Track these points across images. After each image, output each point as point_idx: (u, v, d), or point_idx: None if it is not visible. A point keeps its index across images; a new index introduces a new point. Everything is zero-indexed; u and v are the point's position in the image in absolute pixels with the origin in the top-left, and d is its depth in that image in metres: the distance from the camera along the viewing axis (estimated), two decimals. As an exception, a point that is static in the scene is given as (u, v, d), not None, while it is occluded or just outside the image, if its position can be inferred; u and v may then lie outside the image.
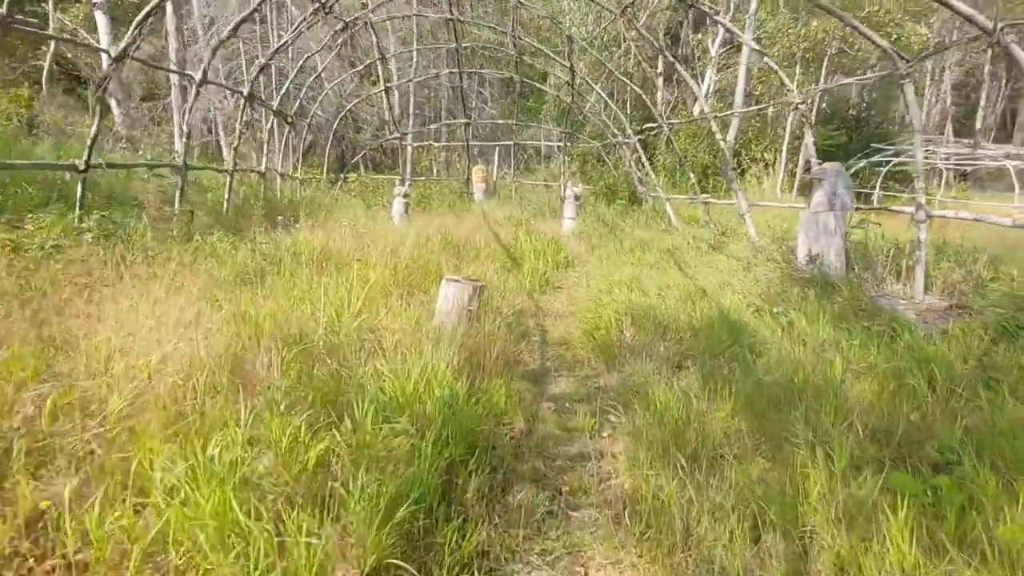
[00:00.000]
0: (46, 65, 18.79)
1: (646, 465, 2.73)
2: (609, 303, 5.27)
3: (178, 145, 10.66)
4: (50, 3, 14.47)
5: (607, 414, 3.50)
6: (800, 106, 6.68)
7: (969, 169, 19.24)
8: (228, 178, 8.44)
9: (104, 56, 5.07)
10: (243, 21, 6.92)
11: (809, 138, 6.58)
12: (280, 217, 7.71)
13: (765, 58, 7.23)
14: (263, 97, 14.03)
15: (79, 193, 5.57)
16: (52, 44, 16.61)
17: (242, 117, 8.87)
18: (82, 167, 5.47)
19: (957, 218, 5.19)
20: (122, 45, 5.25)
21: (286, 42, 9.56)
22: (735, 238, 8.74)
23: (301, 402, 2.84)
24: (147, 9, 5.19)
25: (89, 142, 5.48)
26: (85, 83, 18.41)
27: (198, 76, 6.80)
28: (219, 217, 7.55)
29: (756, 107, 15.29)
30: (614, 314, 4.95)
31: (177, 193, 7.05)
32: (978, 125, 29.88)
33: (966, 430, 2.74)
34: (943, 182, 18.39)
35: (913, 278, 5.55)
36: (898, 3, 17.14)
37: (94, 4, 13.28)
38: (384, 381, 2.90)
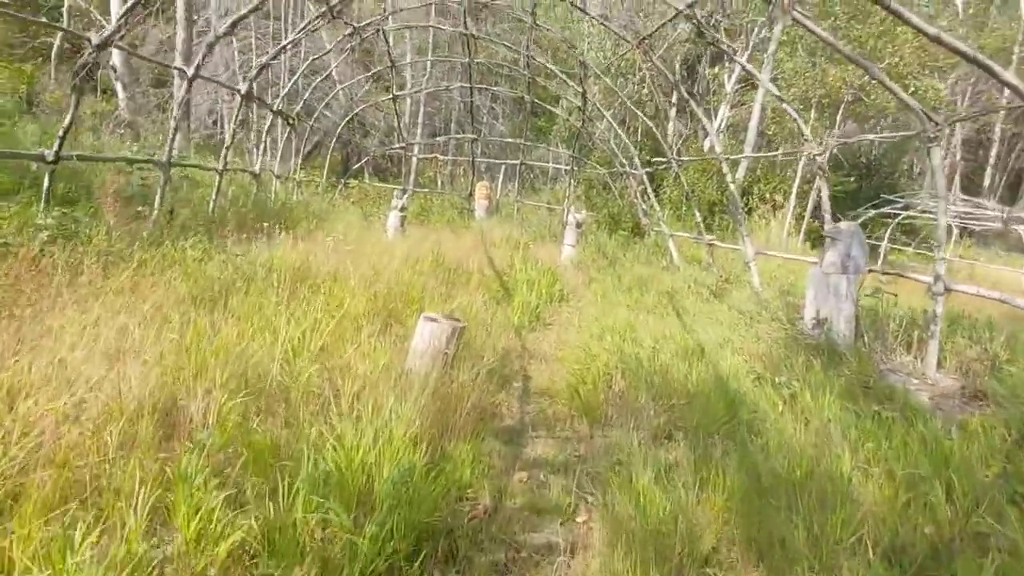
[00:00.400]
0: (56, 43, 18.56)
1: (622, 576, 2.35)
2: (600, 353, 4.91)
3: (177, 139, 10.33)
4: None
5: (585, 495, 3.12)
6: (817, 157, 6.37)
7: (977, 228, 19.00)
8: (218, 178, 8.11)
9: (110, 43, 4.77)
10: (241, 19, 6.64)
11: (825, 191, 6.26)
12: (266, 224, 7.36)
13: (784, 104, 6.94)
14: (268, 96, 13.77)
15: (46, 186, 5.21)
16: (63, 22, 16.38)
17: (237, 115, 8.56)
18: (51, 158, 5.12)
19: (979, 295, 4.83)
20: (105, 34, 4.92)
21: (290, 43, 9.29)
22: (738, 285, 8.40)
23: (232, 463, 2.47)
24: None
25: (61, 132, 5.13)
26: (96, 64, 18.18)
27: (190, 71, 6.49)
28: (202, 219, 7.20)
29: (770, 153, 15.04)
30: (603, 367, 4.58)
31: (158, 191, 6.70)
32: (986, 183, 29.86)
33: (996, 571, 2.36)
34: (952, 239, 18.15)
35: (925, 352, 5.19)
36: (918, 58, 17.00)
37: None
38: (328, 450, 2.52)
